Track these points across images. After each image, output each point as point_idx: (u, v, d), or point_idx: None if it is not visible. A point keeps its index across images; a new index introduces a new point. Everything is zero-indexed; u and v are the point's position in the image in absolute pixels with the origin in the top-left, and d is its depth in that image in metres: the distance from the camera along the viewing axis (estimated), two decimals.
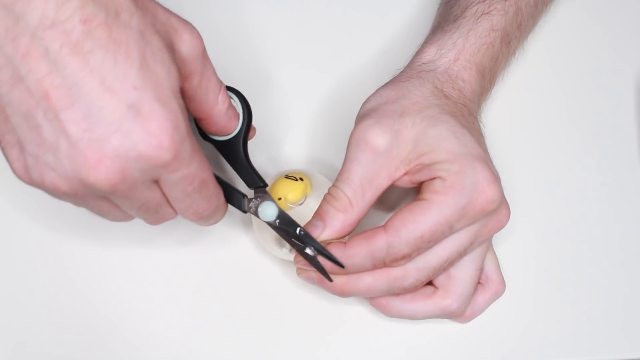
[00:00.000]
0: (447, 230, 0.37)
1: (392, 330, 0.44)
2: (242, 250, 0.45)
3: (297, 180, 0.43)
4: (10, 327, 0.43)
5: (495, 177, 0.38)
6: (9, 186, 0.45)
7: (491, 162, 0.39)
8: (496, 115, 0.49)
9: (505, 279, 0.42)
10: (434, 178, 0.37)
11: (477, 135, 0.41)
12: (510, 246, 0.45)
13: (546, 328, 0.44)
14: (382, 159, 0.38)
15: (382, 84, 0.43)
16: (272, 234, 0.42)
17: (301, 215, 0.41)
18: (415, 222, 0.36)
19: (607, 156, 0.49)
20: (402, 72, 0.43)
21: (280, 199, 0.42)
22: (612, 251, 0.47)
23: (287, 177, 0.43)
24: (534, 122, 0.50)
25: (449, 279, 0.40)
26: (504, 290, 0.42)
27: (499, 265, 0.42)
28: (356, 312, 0.44)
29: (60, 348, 0.43)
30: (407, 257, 0.37)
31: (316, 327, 0.44)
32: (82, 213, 0.38)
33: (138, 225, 0.44)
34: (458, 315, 0.41)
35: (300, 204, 0.42)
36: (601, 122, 0.50)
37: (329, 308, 0.44)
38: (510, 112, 0.50)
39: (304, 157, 0.48)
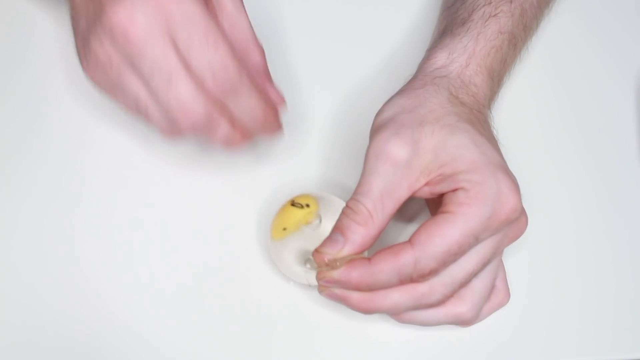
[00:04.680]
0: (473, 242, 0.36)
1: (390, 333, 0.44)
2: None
3: (302, 207, 0.42)
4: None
5: (516, 185, 0.38)
6: (13, 172, 0.45)
7: (509, 169, 0.39)
8: (498, 117, 0.48)
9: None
10: (456, 189, 0.37)
11: (494, 142, 0.40)
12: (510, 246, 0.44)
13: (546, 328, 0.44)
14: (403, 170, 0.37)
15: (392, 92, 0.42)
16: (290, 257, 0.42)
17: (315, 236, 0.41)
18: (442, 236, 0.36)
19: (607, 157, 0.49)
20: (415, 78, 0.42)
21: (285, 229, 0.41)
22: (612, 251, 0.47)
23: (293, 204, 0.42)
24: (533, 123, 0.50)
25: (465, 288, 0.39)
26: (508, 300, 0.41)
27: (505, 275, 0.42)
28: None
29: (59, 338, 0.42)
30: (434, 271, 0.36)
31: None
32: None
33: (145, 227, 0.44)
34: (470, 324, 0.41)
35: (315, 224, 0.42)
36: (600, 122, 0.50)
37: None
38: (511, 113, 0.49)
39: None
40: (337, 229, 0.38)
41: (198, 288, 0.44)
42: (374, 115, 0.41)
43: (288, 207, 0.42)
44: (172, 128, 0.38)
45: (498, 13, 0.45)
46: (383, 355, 0.43)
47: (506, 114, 0.49)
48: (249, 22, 0.40)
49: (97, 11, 0.36)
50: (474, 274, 0.38)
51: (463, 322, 0.40)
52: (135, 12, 0.35)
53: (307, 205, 0.42)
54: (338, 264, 0.37)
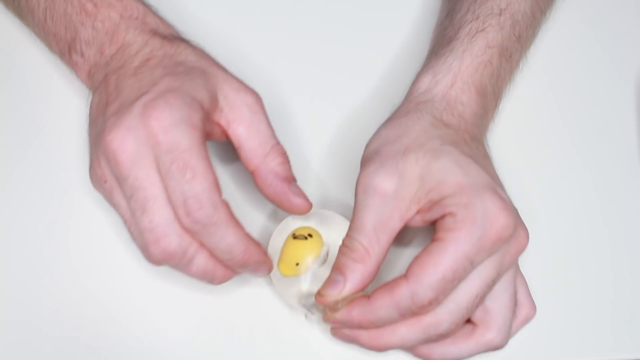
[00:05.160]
0: (468, 266, 0.36)
1: None
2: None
3: (306, 238, 0.42)
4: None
5: (506, 203, 0.37)
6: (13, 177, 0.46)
7: (500, 187, 0.38)
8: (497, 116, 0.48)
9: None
10: (444, 215, 0.36)
11: (482, 160, 0.39)
12: None
13: (547, 328, 0.44)
14: (392, 202, 0.37)
15: (393, 109, 0.42)
16: (295, 292, 0.42)
17: (318, 277, 0.41)
18: (435, 265, 0.35)
19: (607, 157, 0.49)
20: (401, 105, 0.42)
21: (297, 264, 0.41)
22: (613, 252, 0.46)
23: (295, 237, 0.42)
24: (532, 123, 0.49)
25: (486, 313, 0.38)
26: (535, 314, 0.40)
27: (528, 289, 0.41)
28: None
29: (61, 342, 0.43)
30: (434, 301, 0.36)
31: None
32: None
33: None
34: (502, 346, 0.39)
35: (321, 265, 0.42)
36: (600, 122, 0.50)
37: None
38: (510, 113, 0.49)
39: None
40: (337, 268, 0.38)
41: (199, 302, 0.44)
42: (372, 129, 0.41)
43: (291, 242, 0.42)
44: (147, 253, 0.37)
45: (486, 27, 0.44)
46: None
47: (506, 113, 0.48)
48: (268, 126, 0.41)
49: (101, 129, 0.38)
50: (479, 297, 0.37)
51: (496, 347, 0.39)
52: (127, 137, 0.36)
53: (310, 236, 0.42)
54: (339, 305, 0.38)
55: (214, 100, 0.39)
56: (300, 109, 0.49)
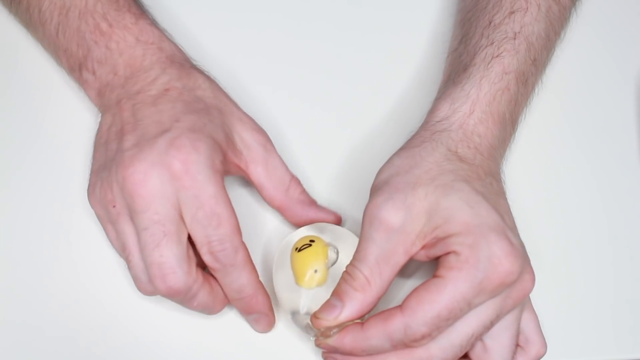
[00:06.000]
0: (465, 307, 0.36)
1: None
2: None
3: (310, 245, 0.41)
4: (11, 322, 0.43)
5: (513, 247, 0.36)
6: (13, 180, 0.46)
7: (510, 228, 0.38)
8: None
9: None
10: (448, 252, 0.36)
11: (495, 198, 0.39)
12: None
13: (549, 328, 0.43)
14: (397, 236, 0.37)
15: (399, 136, 0.42)
16: (293, 307, 0.42)
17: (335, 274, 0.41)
18: (431, 301, 0.35)
19: (607, 157, 0.49)
20: (417, 134, 0.42)
21: (316, 271, 0.41)
22: (614, 251, 0.47)
23: (299, 249, 0.41)
24: (531, 123, 0.49)
25: (484, 351, 0.38)
26: (546, 351, 0.40)
27: (539, 325, 0.40)
28: None
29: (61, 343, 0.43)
30: (427, 336, 0.36)
31: None
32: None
33: None
34: None
35: (334, 264, 0.41)
36: (600, 122, 0.50)
37: None
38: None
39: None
40: (336, 294, 0.38)
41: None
42: (383, 146, 0.43)
43: (298, 254, 0.41)
44: (148, 286, 0.39)
45: (501, 53, 0.43)
46: None
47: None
48: (282, 162, 0.43)
49: (117, 157, 0.39)
50: (474, 337, 0.37)
51: None
52: (150, 173, 0.37)
53: (312, 241, 0.42)
54: (332, 332, 0.38)
55: (230, 141, 0.41)
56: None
